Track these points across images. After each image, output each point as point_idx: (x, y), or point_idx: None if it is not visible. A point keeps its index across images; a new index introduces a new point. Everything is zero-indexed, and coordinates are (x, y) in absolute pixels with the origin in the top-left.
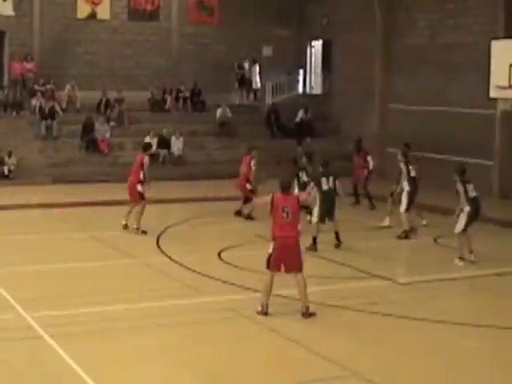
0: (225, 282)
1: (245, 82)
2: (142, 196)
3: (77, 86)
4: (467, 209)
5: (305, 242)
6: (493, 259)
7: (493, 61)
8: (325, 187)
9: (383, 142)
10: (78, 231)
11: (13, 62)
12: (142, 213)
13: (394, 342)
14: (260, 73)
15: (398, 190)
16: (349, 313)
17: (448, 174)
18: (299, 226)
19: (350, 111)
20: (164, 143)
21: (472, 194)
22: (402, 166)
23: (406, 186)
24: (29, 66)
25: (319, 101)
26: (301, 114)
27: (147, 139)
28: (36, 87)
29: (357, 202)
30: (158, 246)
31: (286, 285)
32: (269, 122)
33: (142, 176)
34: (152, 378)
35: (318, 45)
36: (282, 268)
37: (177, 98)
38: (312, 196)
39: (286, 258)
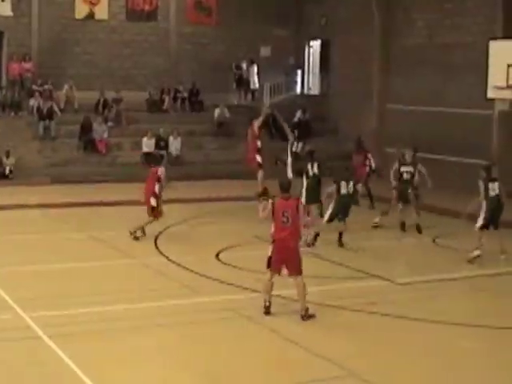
0: (223, 282)
1: (243, 82)
2: (154, 210)
3: (75, 86)
4: (484, 206)
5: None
6: (493, 259)
7: (491, 61)
8: (343, 191)
9: (381, 142)
10: (77, 231)
11: (11, 63)
12: (147, 223)
13: (392, 342)
14: (258, 73)
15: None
16: (347, 313)
17: (446, 174)
18: (302, 226)
19: (348, 111)
20: (162, 143)
21: (493, 192)
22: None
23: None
24: (27, 66)
25: (317, 101)
26: (299, 114)
27: (145, 140)
28: (34, 87)
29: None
30: (157, 247)
31: (285, 285)
32: (267, 123)
33: (157, 189)
34: (151, 377)
35: (316, 45)
36: (283, 271)
37: (175, 98)
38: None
39: (286, 261)
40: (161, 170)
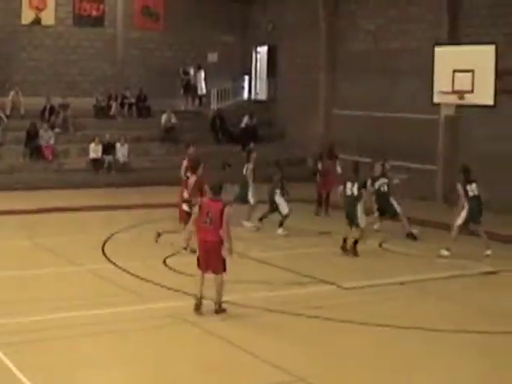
0: (170, 288)
1: (190, 87)
2: (188, 215)
3: (21, 92)
4: (467, 207)
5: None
6: (439, 263)
7: (436, 66)
8: (348, 192)
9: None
10: (22, 238)
11: None
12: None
13: (338, 346)
14: (205, 79)
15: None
16: (293, 318)
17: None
18: (221, 232)
19: (295, 117)
20: (109, 149)
21: (472, 193)
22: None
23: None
24: None
25: (264, 106)
26: (246, 119)
27: (92, 146)
28: None
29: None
30: (104, 253)
31: (229, 290)
32: (214, 128)
33: (186, 195)
34: None
35: (263, 50)
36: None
37: (122, 104)
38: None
39: (207, 261)
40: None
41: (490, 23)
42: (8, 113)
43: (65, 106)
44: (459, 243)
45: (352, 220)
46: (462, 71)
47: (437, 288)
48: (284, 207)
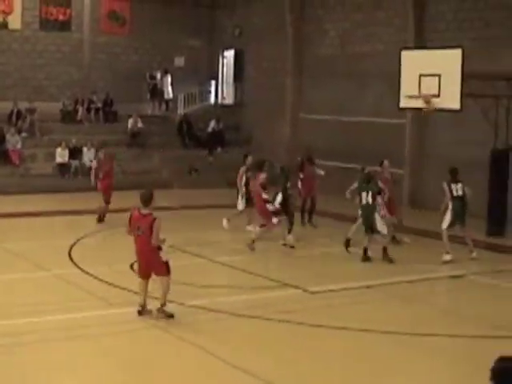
0: (136, 292)
1: (157, 92)
2: (275, 213)
3: None
4: (450, 207)
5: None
6: (405, 266)
7: (403, 71)
8: (363, 202)
9: (294, 152)
10: None
11: None
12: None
13: (308, 350)
14: (172, 83)
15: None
16: (261, 322)
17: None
18: (153, 241)
19: (262, 121)
20: (75, 154)
21: (457, 193)
22: None
23: None
24: None
25: (231, 111)
26: (213, 124)
27: (59, 150)
28: None
29: (309, 220)
30: (70, 258)
31: (198, 295)
32: (181, 133)
33: (265, 195)
34: None
35: (230, 55)
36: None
37: (89, 109)
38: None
39: (148, 268)
40: (262, 176)
41: (455, 27)
42: None
43: (31, 111)
44: (428, 248)
45: (371, 228)
46: (429, 75)
47: (403, 291)
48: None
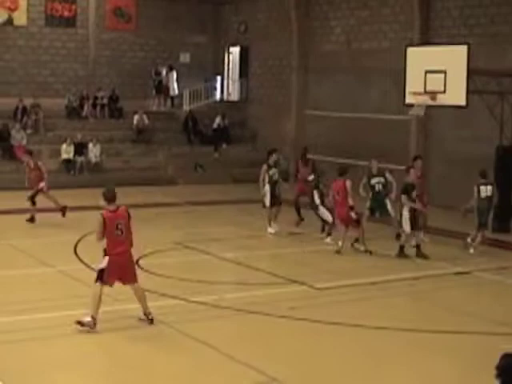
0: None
1: (162, 88)
2: (357, 222)
3: None
4: (476, 207)
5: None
6: (410, 263)
7: (408, 67)
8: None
9: (300, 148)
10: None
11: None
12: (363, 235)
13: (312, 347)
14: (177, 79)
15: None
16: (266, 318)
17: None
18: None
19: (267, 117)
20: (81, 150)
21: (485, 193)
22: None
23: None
24: None
25: (237, 107)
26: (218, 120)
27: (64, 147)
28: None
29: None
30: (76, 254)
31: (202, 291)
32: (186, 129)
33: (351, 201)
34: None
35: (235, 51)
36: (118, 282)
37: (94, 105)
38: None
39: (121, 274)
40: (348, 183)
41: (461, 24)
42: None
43: (37, 107)
44: (432, 244)
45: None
46: (434, 72)
47: (409, 288)
48: (327, 215)
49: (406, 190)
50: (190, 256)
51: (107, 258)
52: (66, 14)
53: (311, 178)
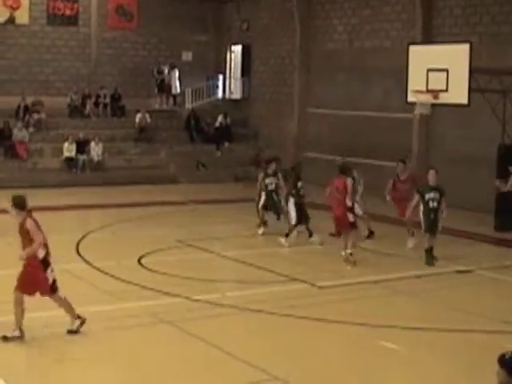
0: (145, 287)
1: (164, 87)
2: (353, 225)
3: None
4: None
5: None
6: (412, 261)
7: (410, 66)
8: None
9: (302, 147)
10: None
11: None
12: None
13: (313, 345)
14: (180, 78)
15: None
16: (269, 317)
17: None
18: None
19: (270, 116)
20: (83, 148)
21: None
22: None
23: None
24: None
25: (239, 106)
26: (220, 118)
27: (66, 145)
28: None
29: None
30: (78, 252)
31: (205, 290)
32: (188, 127)
33: (349, 202)
34: None
35: (237, 50)
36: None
37: (96, 104)
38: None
39: (37, 282)
40: (349, 182)
41: (463, 22)
42: None
43: (39, 105)
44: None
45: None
46: (437, 70)
47: (411, 286)
48: (293, 217)
49: (419, 191)
50: (193, 254)
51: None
52: (68, 12)
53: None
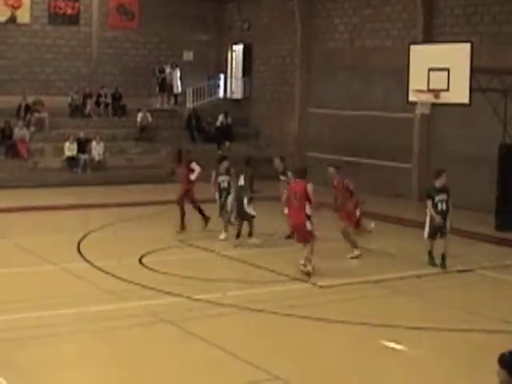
0: (145, 286)
1: (165, 86)
2: (311, 234)
3: None
4: None
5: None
6: (413, 261)
7: (411, 65)
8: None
9: (303, 147)
10: None
11: None
12: (312, 253)
13: (314, 344)
14: (181, 77)
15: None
16: (269, 316)
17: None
18: None
19: (271, 115)
20: (84, 148)
21: None
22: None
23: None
24: None
25: (240, 105)
26: (221, 118)
27: (67, 144)
28: None
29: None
30: (79, 252)
31: (205, 289)
32: (189, 127)
33: (308, 210)
34: None
35: (238, 49)
36: None
37: (97, 103)
38: None
39: None
40: (309, 186)
41: (464, 22)
42: None
43: (39, 105)
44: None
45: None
46: (438, 70)
47: (411, 286)
48: (252, 210)
49: (429, 194)
50: (194, 254)
51: None
52: (69, 11)
53: (193, 177)
